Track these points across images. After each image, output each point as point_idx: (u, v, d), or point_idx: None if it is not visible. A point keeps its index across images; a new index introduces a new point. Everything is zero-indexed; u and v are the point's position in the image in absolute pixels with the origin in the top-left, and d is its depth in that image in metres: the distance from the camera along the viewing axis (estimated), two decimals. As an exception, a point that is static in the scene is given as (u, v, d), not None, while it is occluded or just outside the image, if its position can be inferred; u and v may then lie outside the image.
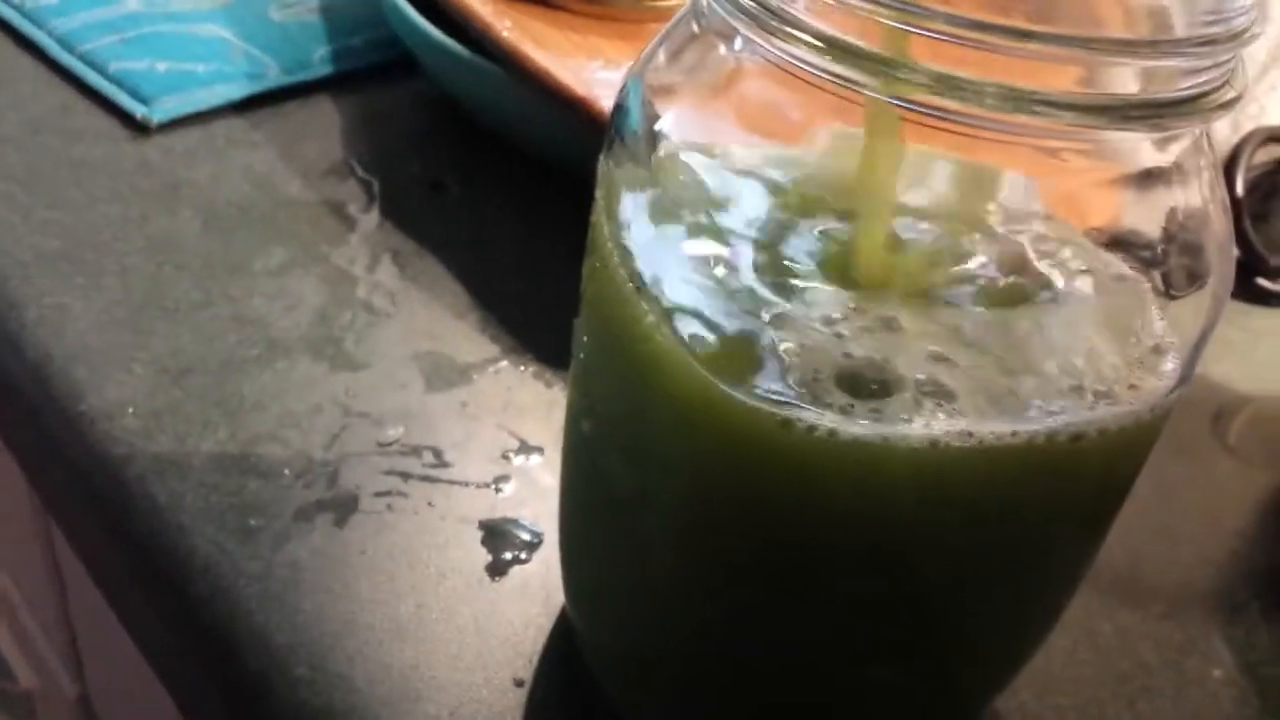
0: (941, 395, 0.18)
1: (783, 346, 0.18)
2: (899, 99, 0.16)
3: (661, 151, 0.19)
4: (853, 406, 0.17)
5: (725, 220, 0.19)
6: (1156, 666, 0.29)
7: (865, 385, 0.18)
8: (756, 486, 0.19)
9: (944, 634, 0.21)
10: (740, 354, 0.18)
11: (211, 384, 0.32)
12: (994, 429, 0.17)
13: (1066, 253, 0.19)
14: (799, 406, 0.17)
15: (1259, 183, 0.41)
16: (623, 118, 0.20)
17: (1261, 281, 0.39)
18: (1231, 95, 0.18)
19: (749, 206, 0.19)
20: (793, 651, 0.22)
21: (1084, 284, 0.19)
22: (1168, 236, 0.19)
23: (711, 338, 0.18)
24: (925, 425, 0.17)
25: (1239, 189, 0.38)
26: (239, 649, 0.27)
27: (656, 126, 0.20)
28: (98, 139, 0.40)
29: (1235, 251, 0.38)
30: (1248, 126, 0.40)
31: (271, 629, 0.27)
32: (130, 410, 0.31)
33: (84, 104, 0.42)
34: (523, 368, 0.34)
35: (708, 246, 0.19)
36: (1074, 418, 0.18)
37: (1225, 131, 0.41)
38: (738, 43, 0.19)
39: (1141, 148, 0.18)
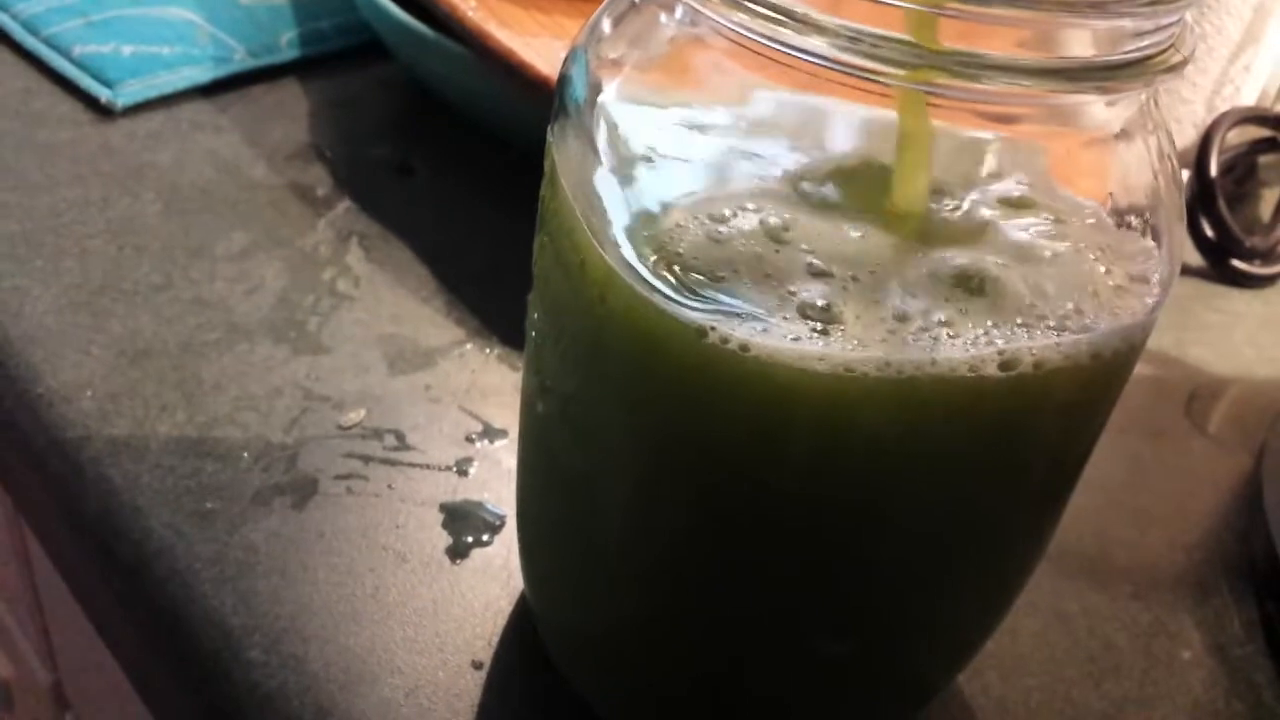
0: (900, 319, 0.17)
1: (734, 269, 0.17)
2: (841, 64, 0.16)
3: (604, 118, 0.19)
4: (815, 327, 0.17)
5: (669, 170, 0.19)
6: (1125, 648, 0.28)
7: (819, 310, 0.17)
8: (708, 421, 0.18)
9: (895, 600, 0.21)
10: (692, 286, 0.18)
11: (170, 367, 0.32)
12: (949, 355, 0.17)
13: (1031, 203, 0.19)
14: (761, 320, 0.17)
15: (1234, 164, 0.40)
16: (567, 88, 0.20)
17: (1236, 263, 0.39)
18: (1178, 58, 0.17)
19: (692, 157, 0.19)
20: (741, 626, 0.21)
21: (1043, 227, 0.19)
22: (1116, 202, 0.19)
23: (663, 279, 0.18)
24: (879, 348, 0.17)
25: (1212, 170, 0.37)
26: (193, 632, 0.26)
27: (600, 96, 0.20)
28: (61, 123, 0.40)
29: (1209, 232, 0.38)
30: (1222, 108, 0.40)
31: (226, 612, 0.26)
32: (88, 393, 0.31)
33: (48, 87, 0.41)
34: (488, 350, 0.34)
35: (655, 191, 0.19)
36: (1018, 345, 0.17)
37: (1200, 113, 0.40)
38: (678, 11, 0.19)
39: (1090, 112, 0.18)
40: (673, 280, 0.17)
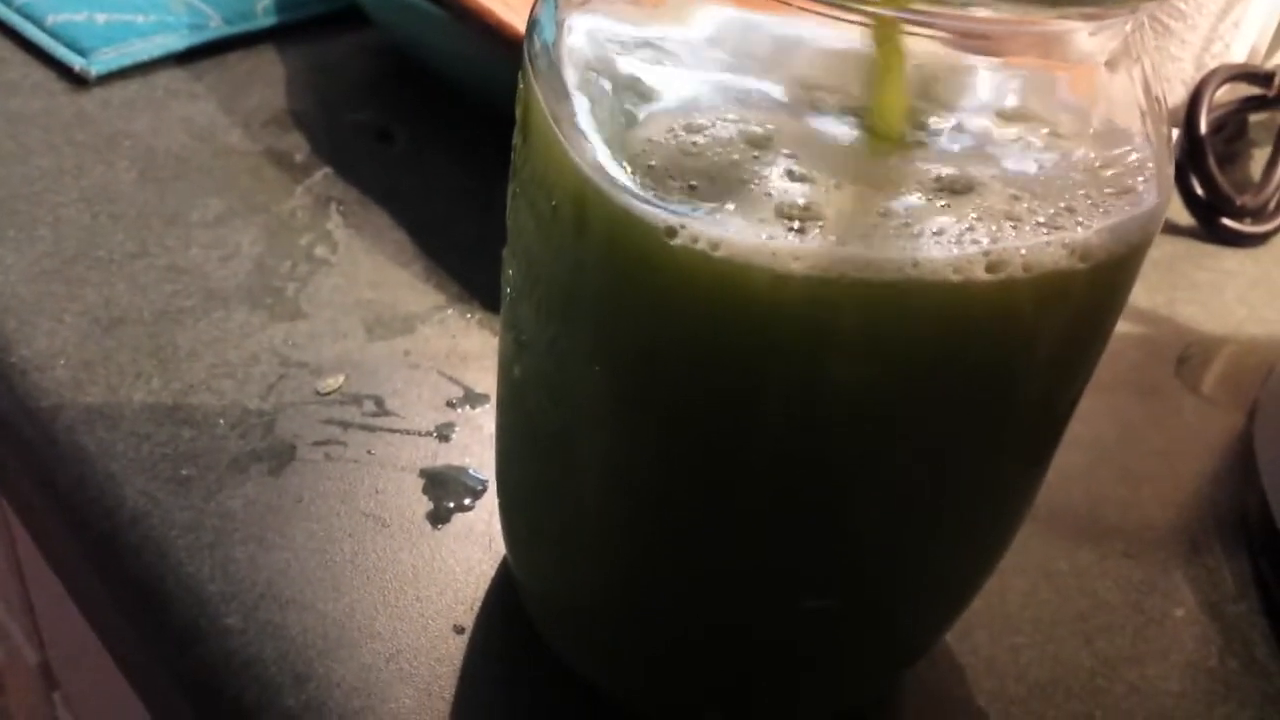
0: (882, 215, 0.17)
1: (710, 175, 0.17)
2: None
3: (574, 53, 0.19)
4: (792, 226, 0.16)
5: (643, 92, 0.18)
6: (1117, 605, 0.28)
7: (798, 209, 0.17)
8: (681, 334, 0.18)
9: (880, 548, 0.20)
10: (664, 188, 0.17)
11: (145, 334, 0.31)
12: (931, 255, 0.16)
13: (1025, 114, 0.18)
14: (733, 217, 0.16)
15: (1224, 122, 0.40)
16: (535, 30, 0.20)
17: (1228, 222, 0.39)
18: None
19: (667, 80, 0.18)
20: (721, 582, 0.21)
21: (1035, 135, 0.18)
22: (1099, 130, 0.18)
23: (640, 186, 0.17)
24: (859, 245, 0.16)
25: (1202, 128, 0.37)
26: (168, 599, 0.26)
27: (568, 35, 0.19)
28: (35, 91, 0.39)
29: (1199, 190, 0.37)
30: (1212, 65, 0.39)
31: (202, 579, 0.26)
32: (61, 361, 0.30)
33: (21, 56, 0.40)
34: (469, 315, 0.33)
35: (629, 112, 0.18)
36: (1005, 244, 0.17)
37: (1189, 70, 0.40)
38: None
39: (1074, 41, 0.17)
40: (643, 181, 0.17)
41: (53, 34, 0.40)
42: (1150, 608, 0.28)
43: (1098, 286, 0.18)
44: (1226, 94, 0.39)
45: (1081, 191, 0.17)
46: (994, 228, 0.16)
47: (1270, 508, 0.29)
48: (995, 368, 0.18)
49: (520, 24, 0.33)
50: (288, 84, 0.41)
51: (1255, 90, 0.40)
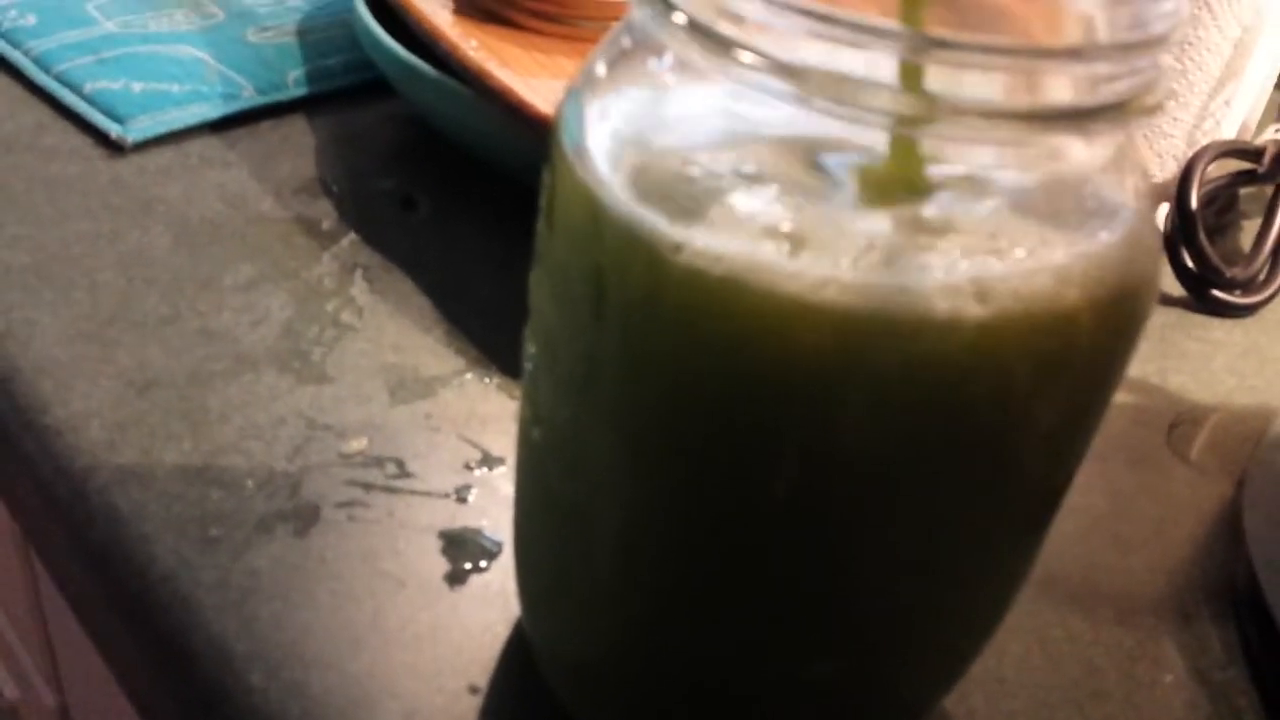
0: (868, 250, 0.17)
1: (704, 201, 0.18)
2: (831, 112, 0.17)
3: (599, 155, 0.20)
4: (784, 249, 0.17)
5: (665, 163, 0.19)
6: (1108, 671, 0.29)
7: (787, 236, 0.17)
8: (690, 371, 0.18)
9: (883, 609, 0.21)
10: (665, 211, 0.18)
11: (177, 397, 0.33)
12: (920, 283, 0.17)
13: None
14: (732, 236, 0.17)
15: (1215, 196, 0.41)
16: (563, 128, 0.21)
17: (1217, 293, 0.40)
18: (1153, 101, 0.18)
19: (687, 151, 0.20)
20: (731, 649, 0.22)
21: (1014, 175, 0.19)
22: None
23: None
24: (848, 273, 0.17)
25: (1193, 202, 0.38)
26: (195, 657, 0.27)
27: (590, 139, 0.21)
28: (72, 157, 0.41)
29: (1190, 263, 0.39)
30: (1203, 141, 0.41)
31: (229, 637, 0.27)
32: (95, 422, 0.32)
33: (59, 123, 0.42)
34: (487, 380, 0.35)
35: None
36: (992, 272, 0.17)
37: (1181, 146, 0.41)
38: (667, 59, 0.19)
39: (1067, 150, 0.19)
40: (643, 200, 0.18)
41: (90, 101, 0.42)
42: (1141, 674, 0.29)
43: (1092, 328, 0.18)
44: (1217, 169, 0.41)
45: (1060, 222, 0.18)
46: (979, 261, 0.17)
47: (1257, 576, 0.30)
48: (992, 410, 0.18)
49: (540, 103, 0.35)
50: (317, 152, 0.43)
51: (1246, 165, 0.42)
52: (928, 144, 0.18)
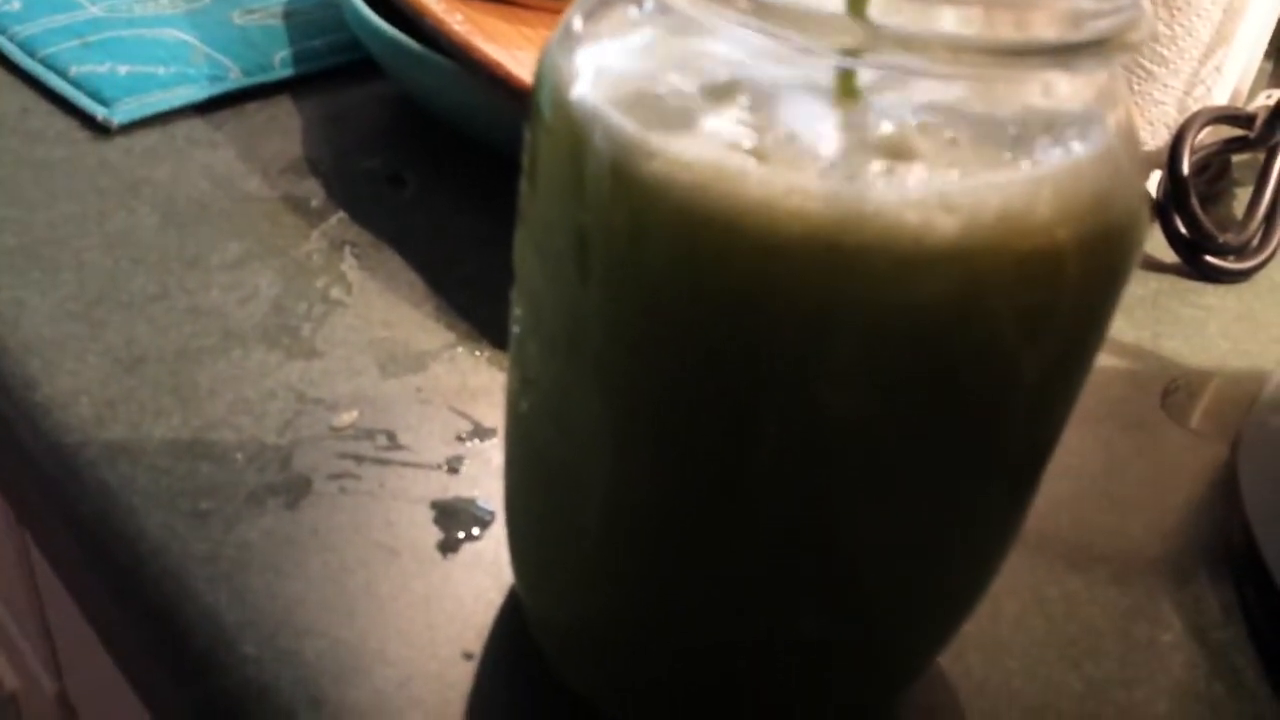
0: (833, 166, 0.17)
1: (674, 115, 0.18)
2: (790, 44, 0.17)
3: (579, 95, 0.20)
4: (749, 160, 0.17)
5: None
6: (1105, 631, 0.29)
7: (753, 149, 0.17)
8: (675, 291, 0.18)
9: (877, 560, 0.21)
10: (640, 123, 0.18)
11: (166, 373, 0.32)
12: (885, 197, 0.16)
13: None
14: (702, 144, 0.17)
15: (1207, 163, 0.41)
16: (541, 82, 0.21)
17: (1210, 259, 0.40)
18: (1136, 37, 0.18)
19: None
20: (722, 602, 0.22)
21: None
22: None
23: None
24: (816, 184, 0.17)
25: (1185, 168, 0.38)
26: (187, 628, 0.27)
27: (570, 95, 0.20)
28: (58, 140, 0.41)
29: (1182, 229, 0.39)
30: (1195, 108, 0.41)
31: (220, 608, 0.27)
32: (84, 399, 0.31)
33: (45, 106, 0.42)
34: (478, 353, 0.35)
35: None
36: (959, 184, 0.17)
37: (1172, 113, 0.41)
38: (647, 5, 0.19)
39: (1052, 86, 0.19)
40: (620, 115, 0.18)
41: (76, 84, 0.42)
42: (1137, 633, 0.29)
43: (1070, 252, 0.18)
44: (1209, 136, 0.41)
45: (1036, 150, 0.18)
46: (945, 175, 0.17)
47: (1254, 536, 0.30)
48: (970, 336, 0.18)
49: (526, 75, 0.35)
50: (304, 133, 0.42)
51: (1237, 132, 0.41)
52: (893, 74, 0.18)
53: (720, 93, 0.18)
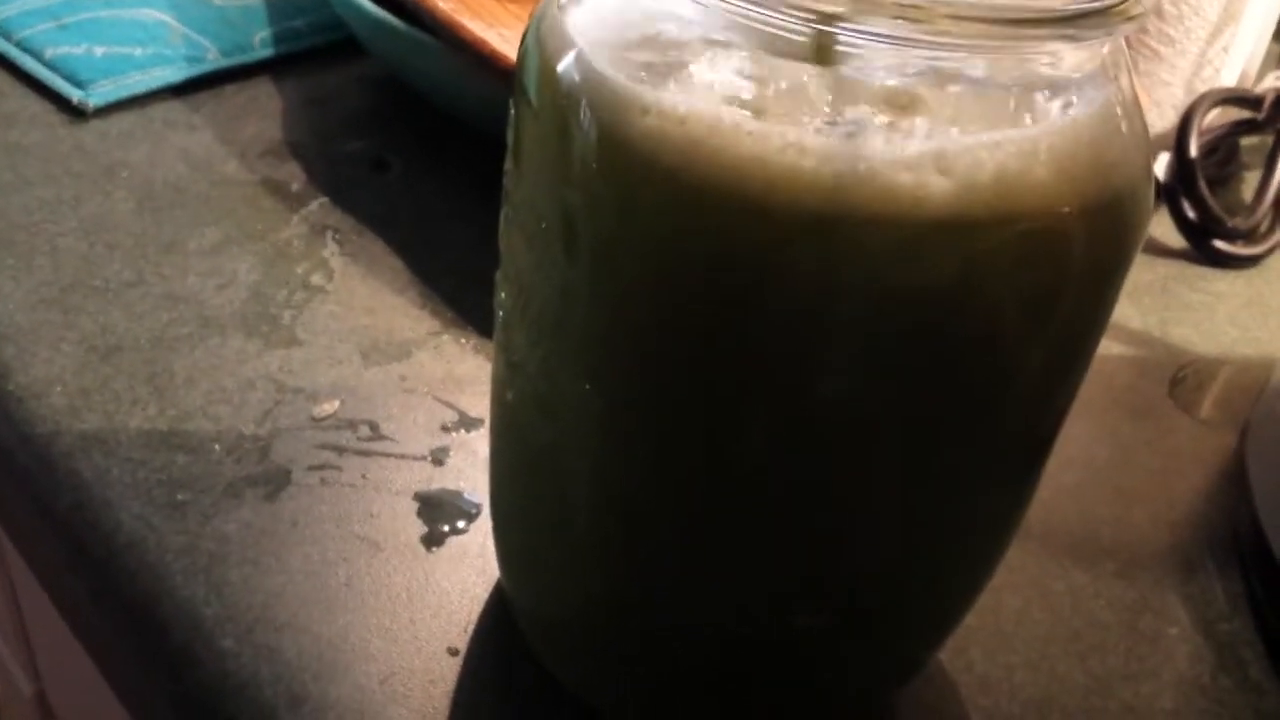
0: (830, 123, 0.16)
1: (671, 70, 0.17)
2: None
3: (568, 60, 0.19)
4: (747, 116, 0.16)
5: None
6: (1110, 624, 0.28)
7: (750, 102, 0.16)
8: (662, 260, 0.17)
9: (871, 552, 0.21)
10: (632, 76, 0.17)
11: (141, 361, 0.31)
12: (879, 153, 0.16)
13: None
14: (698, 99, 0.16)
15: (1215, 145, 0.40)
16: (525, 61, 0.20)
17: (1219, 244, 0.39)
18: (1139, 10, 0.17)
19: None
20: (712, 595, 0.21)
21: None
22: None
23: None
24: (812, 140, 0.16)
25: (1192, 151, 0.37)
26: (164, 622, 0.26)
27: (559, 64, 0.20)
28: (33, 123, 0.40)
29: (1190, 213, 0.38)
30: (1202, 90, 0.40)
31: (198, 602, 0.26)
32: (58, 388, 0.30)
33: (19, 89, 0.41)
34: (463, 341, 0.34)
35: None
36: (954, 143, 0.16)
37: (1180, 95, 0.40)
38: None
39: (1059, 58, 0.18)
40: (613, 72, 0.17)
41: (51, 67, 0.41)
42: (1144, 626, 0.28)
43: (1071, 218, 0.17)
44: (1217, 118, 0.40)
45: (1034, 96, 0.17)
46: (944, 135, 0.16)
47: (1262, 527, 0.29)
48: (968, 304, 0.17)
49: (512, 53, 0.34)
50: (284, 115, 0.41)
51: (1245, 114, 0.40)
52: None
53: (714, 51, 0.17)
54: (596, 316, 0.19)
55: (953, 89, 0.17)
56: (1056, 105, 0.17)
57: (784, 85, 0.17)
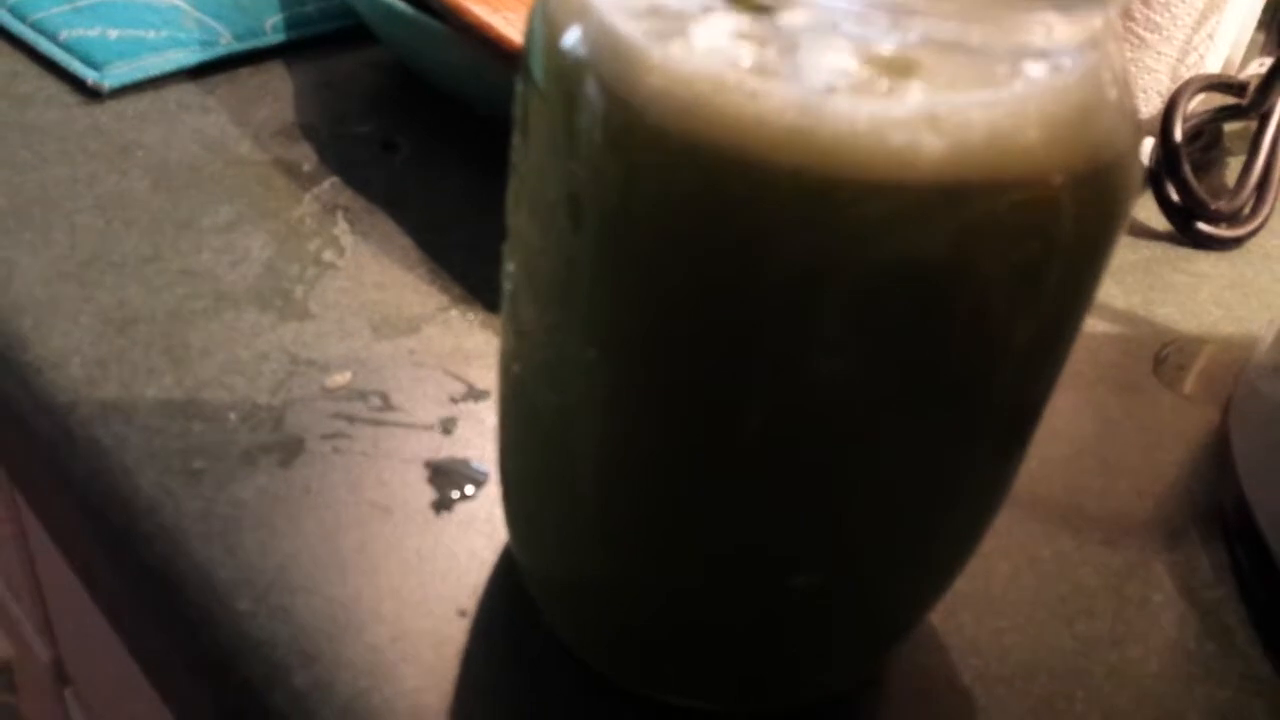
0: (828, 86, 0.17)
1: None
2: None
3: (572, 24, 0.20)
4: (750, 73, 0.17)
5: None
6: (1096, 590, 0.29)
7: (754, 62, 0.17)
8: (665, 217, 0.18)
9: (863, 510, 0.21)
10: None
11: (158, 334, 0.32)
12: (872, 112, 0.16)
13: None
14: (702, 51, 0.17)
15: (1199, 131, 0.41)
16: (532, 38, 0.21)
17: (1202, 226, 0.40)
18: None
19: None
20: (713, 553, 0.22)
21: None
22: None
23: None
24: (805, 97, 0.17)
25: (1177, 135, 0.38)
26: (182, 585, 0.27)
27: (566, 36, 0.20)
28: (49, 104, 0.40)
29: (1174, 196, 0.39)
30: (1187, 75, 0.41)
31: (214, 565, 0.27)
32: (76, 359, 0.31)
33: (35, 70, 0.42)
34: (471, 316, 0.34)
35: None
36: (948, 103, 0.16)
37: (1165, 81, 0.41)
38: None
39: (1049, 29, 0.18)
40: (620, 27, 0.18)
41: (66, 49, 0.41)
42: (1129, 593, 0.29)
43: (1061, 183, 0.17)
44: (1202, 104, 0.41)
45: (1025, 60, 0.18)
46: (938, 97, 0.17)
47: (1246, 499, 0.30)
48: (960, 266, 0.18)
49: (518, 37, 0.35)
50: (296, 98, 0.42)
51: (1230, 100, 0.41)
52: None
53: (718, 14, 0.18)
54: (601, 283, 0.20)
55: (948, 56, 0.17)
56: (1048, 72, 0.18)
57: (785, 47, 0.17)
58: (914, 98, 0.17)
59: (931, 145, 0.17)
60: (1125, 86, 0.19)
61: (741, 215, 0.17)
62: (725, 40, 0.18)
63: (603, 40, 0.18)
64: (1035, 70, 0.18)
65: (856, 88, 0.17)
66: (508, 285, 0.24)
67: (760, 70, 0.17)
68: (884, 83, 0.17)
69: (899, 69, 0.17)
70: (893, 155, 0.17)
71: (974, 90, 0.17)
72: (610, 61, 0.18)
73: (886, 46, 0.17)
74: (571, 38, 0.19)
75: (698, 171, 0.17)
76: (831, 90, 0.17)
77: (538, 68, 0.20)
